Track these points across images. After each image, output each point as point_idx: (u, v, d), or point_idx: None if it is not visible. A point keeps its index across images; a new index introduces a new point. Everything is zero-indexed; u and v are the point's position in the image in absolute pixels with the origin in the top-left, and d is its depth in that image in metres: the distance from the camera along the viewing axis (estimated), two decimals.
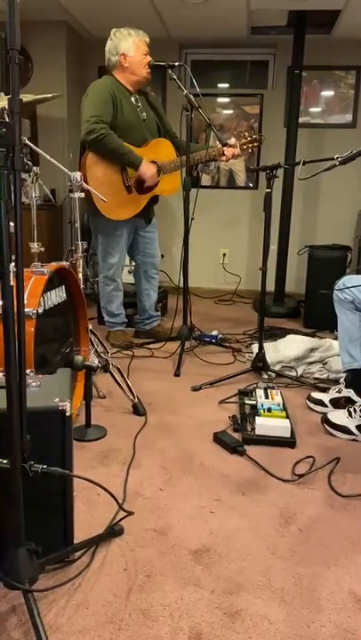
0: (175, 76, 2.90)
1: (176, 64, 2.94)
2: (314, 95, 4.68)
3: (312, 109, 4.71)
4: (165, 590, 1.36)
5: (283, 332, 3.53)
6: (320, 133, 4.66)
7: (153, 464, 1.95)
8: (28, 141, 2.24)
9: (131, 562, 1.45)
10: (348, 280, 2.37)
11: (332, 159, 2.32)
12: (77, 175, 2.43)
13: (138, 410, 2.35)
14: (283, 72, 4.60)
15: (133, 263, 3.52)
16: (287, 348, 2.99)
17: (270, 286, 4.30)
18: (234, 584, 1.39)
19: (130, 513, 1.62)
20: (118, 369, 2.52)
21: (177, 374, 2.83)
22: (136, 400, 2.38)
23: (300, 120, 4.26)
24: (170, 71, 2.92)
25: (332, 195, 4.75)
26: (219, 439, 2.11)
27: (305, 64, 4.11)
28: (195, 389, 2.64)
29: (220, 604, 1.32)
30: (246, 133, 3.16)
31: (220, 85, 4.86)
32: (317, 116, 4.72)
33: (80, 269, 2.47)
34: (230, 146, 3.09)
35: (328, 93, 4.68)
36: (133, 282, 3.57)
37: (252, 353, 3.01)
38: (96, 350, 2.54)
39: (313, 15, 3.93)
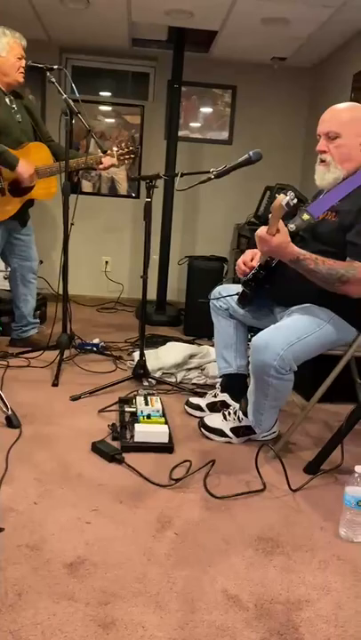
0: (54, 80, 2.85)
1: (55, 67, 2.89)
2: (193, 110, 4.84)
3: (192, 124, 4.87)
4: (37, 607, 1.30)
5: (164, 340, 3.58)
6: (199, 147, 4.82)
7: (27, 477, 1.87)
8: None
9: (1, 581, 1.38)
10: (224, 289, 2.46)
11: (208, 172, 2.42)
12: None
13: (12, 422, 2.24)
14: (163, 85, 4.71)
15: (9, 268, 3.37)
16: (167, 355, 3.04)
17: (153, 295, 4.35)
18: (109, 594, 1.37)
19: (0, 529, 1.53)
20: None
21: (55, 384, 2.75)
22: (10, 412, 2.27)
23: (180, 133, 4.38)
24: (49, 74, 2.86)
25: (210, 208, 4.94)
26: (97, 448, 2.08)
27: (184, 79, 4.24)
28: (74, 399, 2.59)
29: (94, 615, 1.30)
30: (123, 144, 3.16)
31: (102, 93, 4.85)
32: (196, 131, 4.89)
33: None
34: (109, 155, 3.09)
35: (207, 110, 4.87)
36: (9, 288, 3.42)
37: (133, 360, 3.01)
38: None
39: (192, 33, 4.07)
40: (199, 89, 4.76)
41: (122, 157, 3.13)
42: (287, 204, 1.80)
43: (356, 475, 1.64)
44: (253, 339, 2.03)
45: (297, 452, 2.23)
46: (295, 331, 1.99)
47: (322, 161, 2.05)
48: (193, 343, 3.49)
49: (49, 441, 2.16)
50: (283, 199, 1.79)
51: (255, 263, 2.17)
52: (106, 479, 1.90)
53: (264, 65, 4.60)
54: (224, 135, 4.87)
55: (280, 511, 1.79)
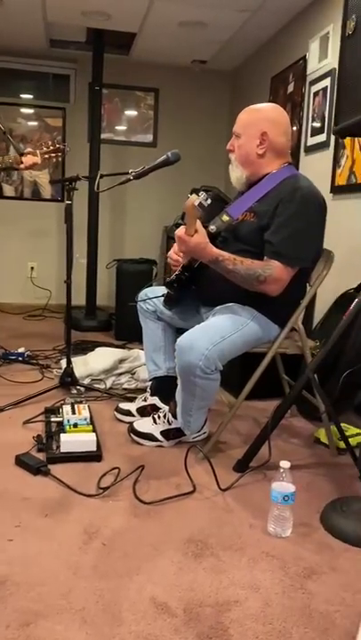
0: None
1: None
2: (116, 113, 4.80)
3: (117, 127, 4.82)
4: None
5: (93, 346, 3.51)
6: (124, 150, 4.79)
7: None
8: None
9: None
10: (150, 291, 2.44)
11: (128, 174, 2.39)
12: None
13: None
14: (84, 87, 4.63)
15: None
16: (96, 361, 2.98)
17: (82, 300, 4.28)
18: (32, 614, 1.30)
19: None
20: None
21: None
22: None
23: (104, 136, 4.33)
24: None
25: (139, 211, 4.91)
26: (21, 461, 1.99)
27: (106, 82, 4.20)
28: None
29: (15, 638, 1.23)
30: (49, 142, 3.06)
31: (23, 96, 4.72)
32: (121, 134, 4.85)
33: None
34: (30, 154, 2.98)
35: (131, 113, 4.85)
36: None
37: (60, 369, 2.93)
38: None
39: (111, 35, 4.03)
40: (122, 91, 4.74)
41: (47, 155, 3.02)
42: (200, 204, 1.80)
43: (282, 470, 1.66)
44: (178, 340, 2.02)
45: (227, 450, 2.23)
46: (219, 330, 1.99)
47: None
48: (124, 347, 3.44)
49: None
50: (195, 200, 1.79)
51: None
52: (30, 493, 1.83)
53: (185, 68, 4.64)
54: (149, 138, 4.86)
55: (210, 512, 1.78)
